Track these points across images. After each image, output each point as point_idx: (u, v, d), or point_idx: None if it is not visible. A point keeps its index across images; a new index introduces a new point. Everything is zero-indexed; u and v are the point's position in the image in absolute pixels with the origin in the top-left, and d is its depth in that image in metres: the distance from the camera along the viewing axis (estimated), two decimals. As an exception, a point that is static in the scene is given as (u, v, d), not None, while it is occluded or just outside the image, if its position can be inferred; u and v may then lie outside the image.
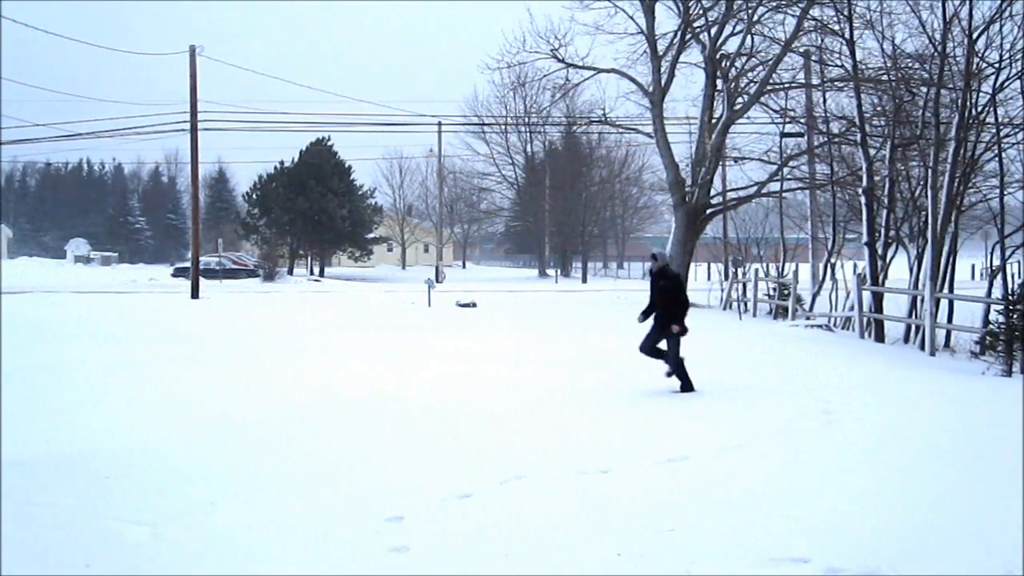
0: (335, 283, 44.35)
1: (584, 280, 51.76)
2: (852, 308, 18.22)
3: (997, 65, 17.17)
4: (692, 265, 27.69)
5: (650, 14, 25.23)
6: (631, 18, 25.50)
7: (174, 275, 45.72)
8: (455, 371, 11.38)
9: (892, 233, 19.26)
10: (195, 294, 29.17)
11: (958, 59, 17.36)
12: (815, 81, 23.47)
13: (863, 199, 19.07)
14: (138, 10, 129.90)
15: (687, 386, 9.91)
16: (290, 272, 49.58)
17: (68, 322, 18.31)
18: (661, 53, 25.62)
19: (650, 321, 10.32)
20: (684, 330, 9.98)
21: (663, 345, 10.10)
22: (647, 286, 10.71)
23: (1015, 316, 12.30)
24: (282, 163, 52.74)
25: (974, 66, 16.96)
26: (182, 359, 12.41)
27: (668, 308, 10.04)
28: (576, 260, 58.93)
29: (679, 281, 10.46)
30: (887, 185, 18.91)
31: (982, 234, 23.65)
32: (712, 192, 26.74)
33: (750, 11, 23.62)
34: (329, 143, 53.33)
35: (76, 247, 61.48)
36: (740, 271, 28.39)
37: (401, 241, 71.30)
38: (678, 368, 9.97)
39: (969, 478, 6.35)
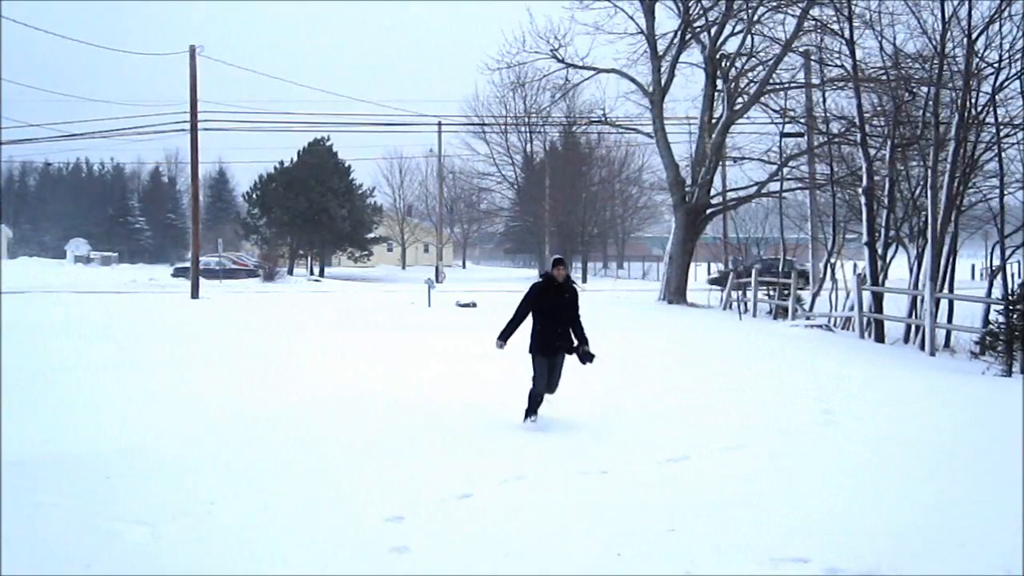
0: (335, 283, 44.33)
1: (584, 280, 51.70)
2: (852, 308, 18.22)
3: (997, 65, 17.20)
4: (692, 265, 27.71)
5: (650, 14, 25.25)
6: (631, 18, 25.57)
7: (174, 275, 45.70)
8: (455, 371, 11.39)
9: (892, 233, 19.26)
10: (195, 294, 29.15)
11: (958, 59, 17.37)
12: (815, 81, 23.48)
13: (863, 199, 19.08)
14: (138, 10, 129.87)
15: (534, 411, 7.94)
16: (290, 272, 49.57)
17: (68, 322, 18.30)
18: (661, 53, 25.65)
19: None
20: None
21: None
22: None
23: (1015, 316, 12.31)
24: (282, 163, 52.76)
25: (974, 66, 16.97)
26: (182, 359, 12.41)
27: (568, 328, 8.09)
28: (576, 260, 58.89)
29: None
30: (887, 185, 18.92)
31: (982, 234, 23.65)
32: (712, 192, 26.79)
33: (750, 11, 23.65)
34: (329, 143, 53.36)
35: (76, 247, 61.44)
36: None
37: (401, 241, 71.27)
38: (540, 396, 7.98)
39: (969, 478, 6.35)
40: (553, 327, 7.97)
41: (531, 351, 8.01)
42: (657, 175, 48.26)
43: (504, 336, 8.05)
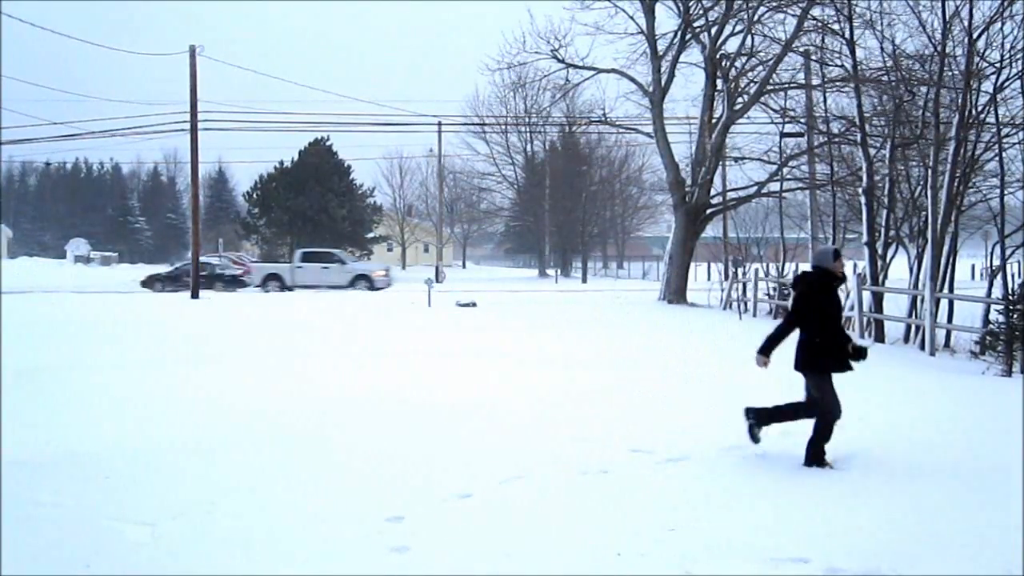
0: (335, 283, 44.24)
1: (584, 280, 51.75)
2: (852, 308, 18.22)
3: (997, 65, 17.18)
4: (692, 265, 27.71)
5: (650, 14, 25.25)
6: (631, 18, 25.57)
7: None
8: (455, 371, 11.38)
9: (892, 233, 19.26)
10: (195, 294, 29.15)
11: (958, 59, 17.36)
12: (815, 81, 23.46)
13: (863, 199, 19.07)
14: (138, 10, 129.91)
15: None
16: (290, 272, 49.55)
17: (68, 322, 18.30)
18: (661, 53, 25.65)
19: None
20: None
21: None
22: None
23: (1015, 316, 12.30)
24: (282, 163, 52.80)
25: (974, 66, 16.96)
26: (182, 359, 12.41)
27: None
28: (576, 260, 58.95)
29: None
30: (887, 185, 18.91)
31: (982, 234, 23.66)
32: (712, 192, 26.79)
33: (750, 11, 23.64)
34: (329, 143, 53.40)
35: (76, 247, 61.46)
36: (740, 271, 28.37)
37: (401, 241, 71.27)
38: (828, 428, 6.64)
39: (969, 478, 6.34)
40: (842, 332, 6.70)
41: (825, 369, 6.63)
42: (657, 175, 48.34)
43: (769, 349, 6.81)
